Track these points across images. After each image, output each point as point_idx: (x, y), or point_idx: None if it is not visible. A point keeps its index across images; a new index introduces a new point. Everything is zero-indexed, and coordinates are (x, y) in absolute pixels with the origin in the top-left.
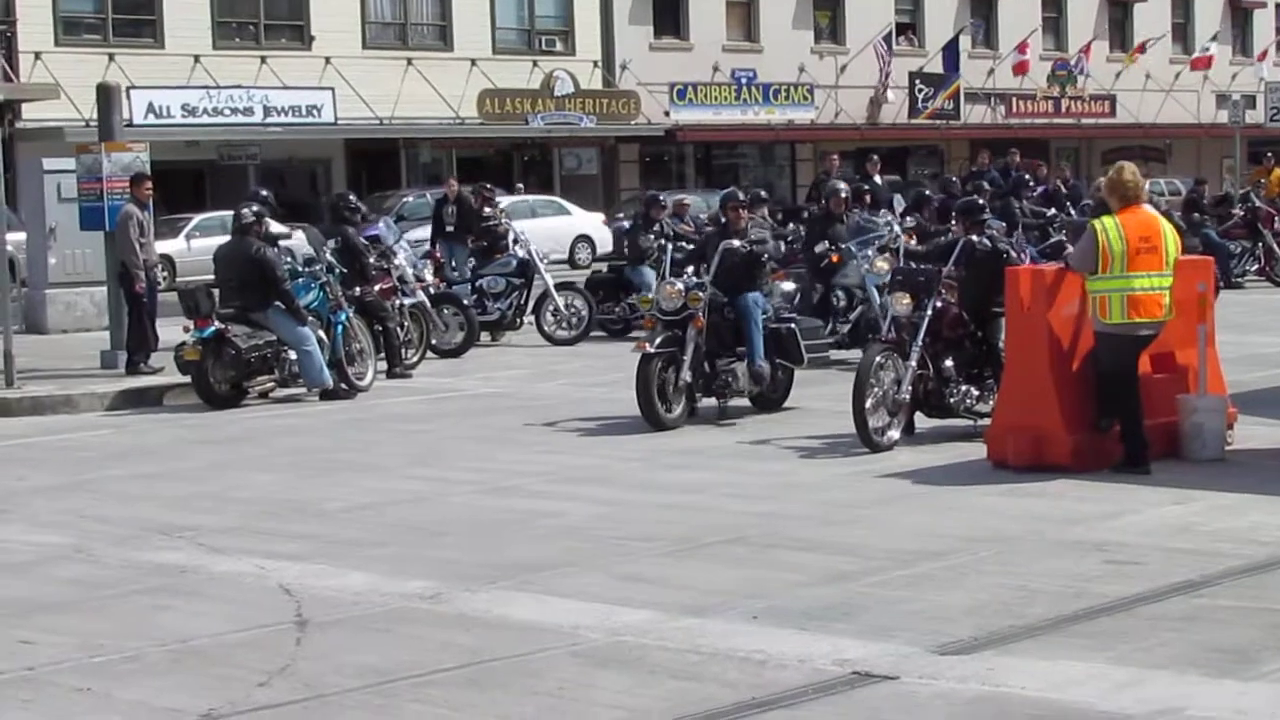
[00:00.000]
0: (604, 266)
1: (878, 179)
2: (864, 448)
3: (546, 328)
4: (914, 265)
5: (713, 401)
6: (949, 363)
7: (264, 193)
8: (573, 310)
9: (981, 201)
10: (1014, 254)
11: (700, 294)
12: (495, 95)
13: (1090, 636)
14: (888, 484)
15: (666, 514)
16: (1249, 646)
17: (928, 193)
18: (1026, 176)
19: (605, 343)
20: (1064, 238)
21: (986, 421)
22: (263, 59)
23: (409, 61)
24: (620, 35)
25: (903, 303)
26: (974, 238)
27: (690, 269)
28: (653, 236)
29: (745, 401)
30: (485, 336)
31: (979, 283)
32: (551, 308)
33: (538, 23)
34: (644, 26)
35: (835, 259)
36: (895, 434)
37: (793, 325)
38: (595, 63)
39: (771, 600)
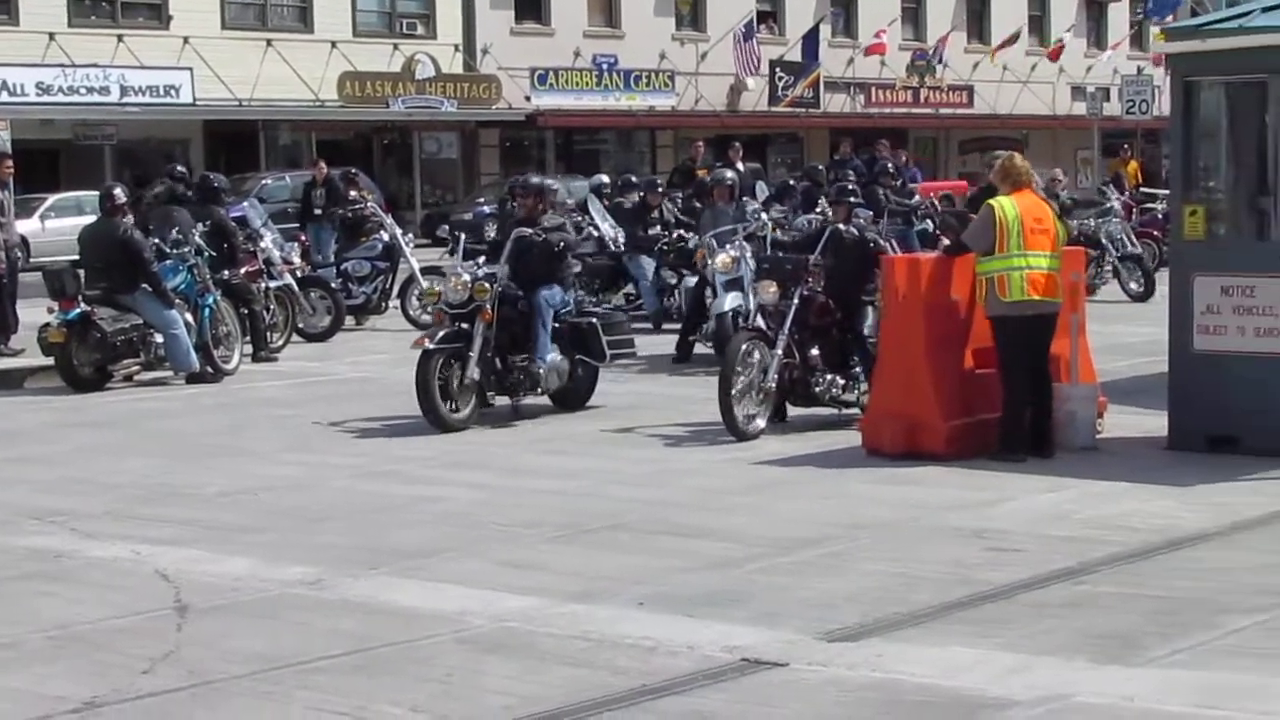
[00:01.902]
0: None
1: (739, 166)
2: (730, 436)
3: (411, 312)
4: (780, 254)
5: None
6: (815, 351)
7: (180, 169)
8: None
9: (852, 188)
10: (881, 242)
11: (488, 285)
12: (356, 78)
13: (975, 623)
14: (765, 471)
15: (547, 499)
16: (1132, 632)
17: (791, 181)
18: (890, 165)
19: None
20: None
21: (852, 411)
22: (119, 38)
23: (269, 43)
24: (481, 19)
25: (769, 291)
26: (841, 226)
27: (483, 259)
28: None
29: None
30: (349, 320)
31: (845, 271)
32: (417, 292)
33: (399, 6)
34: (505, 11)
35: (701, 254)
36: (761, 423)
37: (594, 320)
38: (456, 47)
39: (657, 586)
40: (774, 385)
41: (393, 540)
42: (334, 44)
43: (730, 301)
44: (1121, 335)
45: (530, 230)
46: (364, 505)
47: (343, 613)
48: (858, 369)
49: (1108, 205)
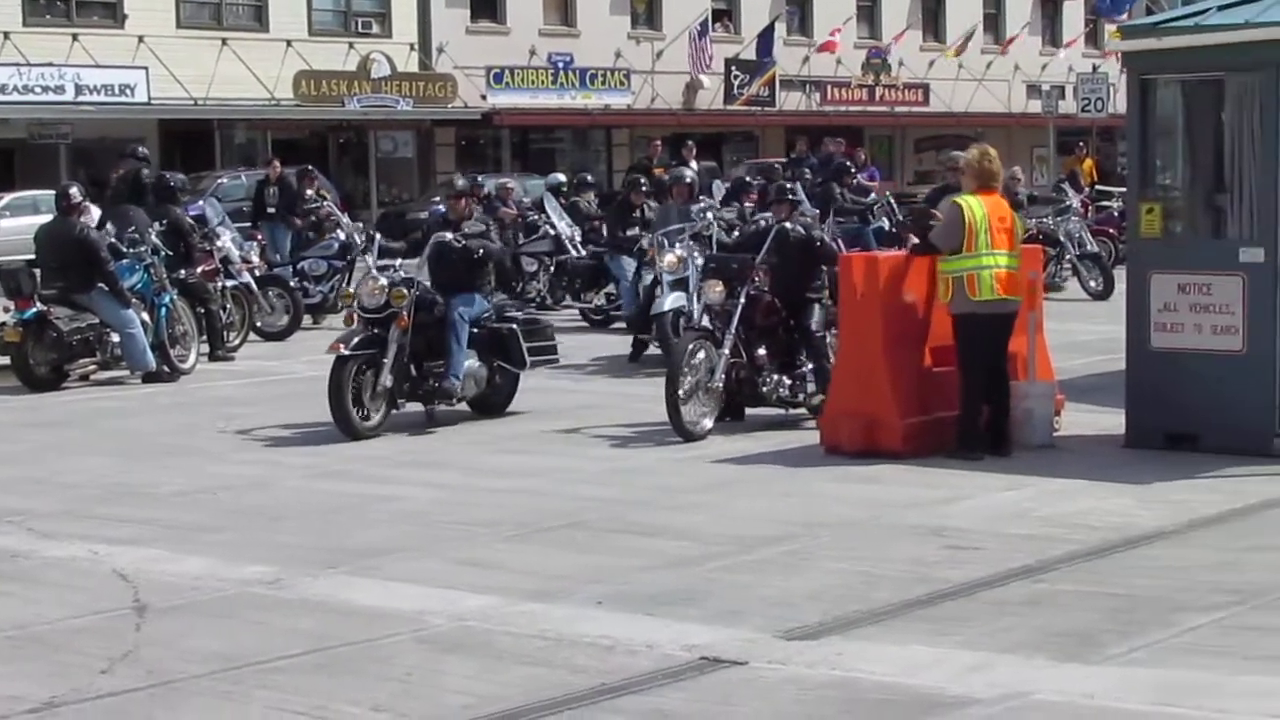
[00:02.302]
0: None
1: (693, 165)
2: (677, 436)
3: None
4: (726, 254)
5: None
6: (762, 351)
7: (141, 150)
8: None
9: (791, 186)
10: (827, 241)
11: (405, 291)
12: (311, 77)
13: (935, 621)
14: (723, 469)
15: (503, 498)
16: (1092, 630)
17: (748, 179)
18: (847, 163)
19: (585, 333)
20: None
21: (799, 411)
22: (74, 37)
23: (224, 41)
24: (437, 18)
25: (715, 290)
26: (787, 225)
27: (399, 262)
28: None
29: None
30: (307, 319)
31: (791, 270)
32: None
33: (354, 4)
34: (461, 10)
35: (651, 252)
36: (709, 423)
37: (514, 326)
38: (412, 45)
39: (615, 585)
40: (721, 386)
41: (350, 540)
42: (289, 43)
43: (671, 301)
44: (1079, 333)
45: (450, 236)
46: (321, 505)
47: (301, 612)
48: (805, 368)
49: (1066, 204)
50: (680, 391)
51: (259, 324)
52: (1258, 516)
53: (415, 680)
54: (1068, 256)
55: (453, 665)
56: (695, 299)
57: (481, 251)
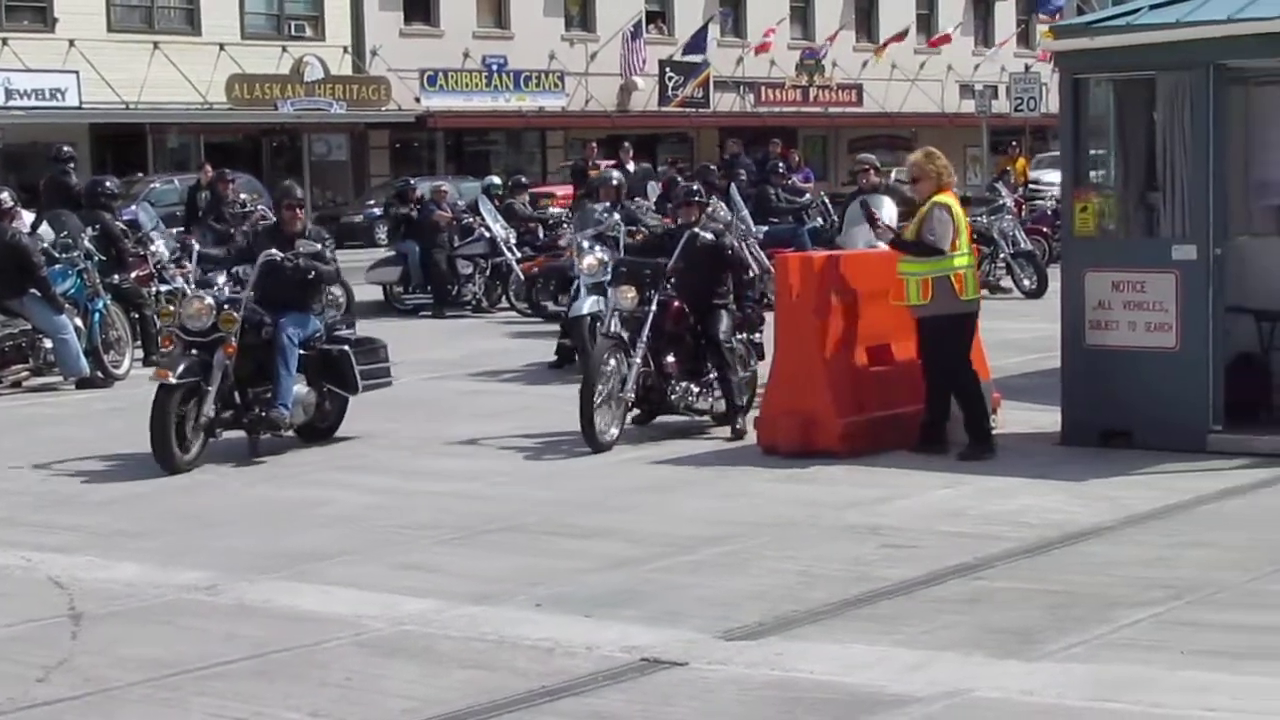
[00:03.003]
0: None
1: (630, 166)
2: (587, 446)
3: None
4: (635, 258)
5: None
6: (670, 358)
7: (66, 150)
8: (331, 297)
9: (697, 188)
10: (736, 247)
11: (235, 315)
12: (244, 80)
13: (875, 620)
14: (660, 471)
15: (442, 501)
16: (1031, 627)
17: (679, 178)
18: (780, 164)
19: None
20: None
21: (704, 419)
22: (4, 40)
23: (155, 45)
24: (370, 21)
25: (628, 296)
26: (697, 230)
27: (224, 278)
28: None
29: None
30: None
31: (699, 276)
32: None
33: (287, 8)
34: (394, 13)
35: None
36: (615, 431)
37: (346, 348)
38: (345, 48)
39: (555, 587)
40: (632, 396)
41: (287, 544)
42: (222, 46)
43: (589, 305)
44: (1013, 332)
45: (281, 255)
46: (258, 510)
47: (239, 617)
48: (711, 375)
49: (1000, 203)
50: (596, 401)
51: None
52: (1192, 513)
53: (355, 685)
54: (1002, 255)
55: (393, 669)
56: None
57: (314, 274)
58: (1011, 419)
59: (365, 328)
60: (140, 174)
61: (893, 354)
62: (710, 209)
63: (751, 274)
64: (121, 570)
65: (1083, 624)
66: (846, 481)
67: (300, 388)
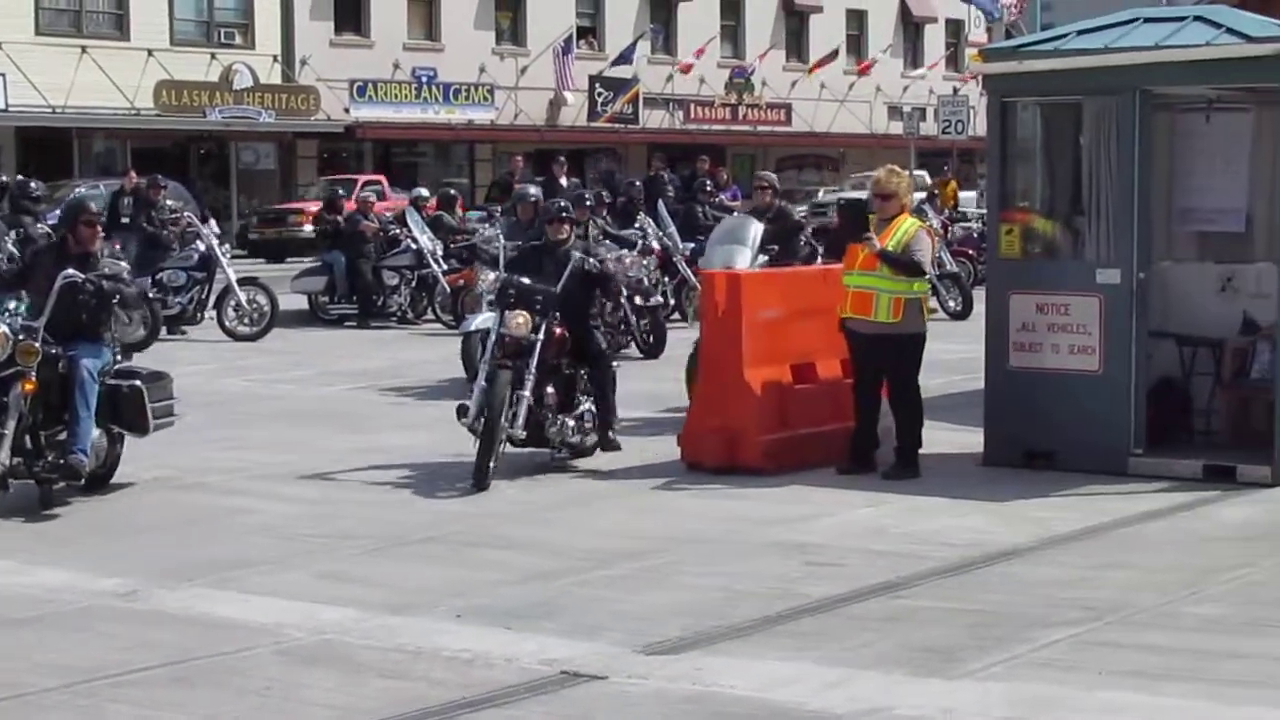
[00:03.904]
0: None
1: (563, 181)
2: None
3: (228, 323)
4: (523, 280)
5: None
6: (550, 389)
7: None
8: (255, 305)
9: (564, 204)
10: (609, 265)
11: (37, 347)
12: (172, 87)
13: (796, 636)
14: (583, 484)
15: (363, 511)
16: (951, 646)
17: (605, 195)
18: (707, 182)
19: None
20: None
21: (562, 454)
22: None
23: (84, 50)
24: (300, 30)
25: (518, 323)
26: (582, 256)
27: (12, 302)
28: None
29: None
30: (163, 331)
31: (577, 299)
32: (234, 303)
33: (217, 15)
34: (325, 22)
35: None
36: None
37: (138, 383)
38: (275, 57)
39: (474, 599)
40: (523, 434)
41: (208, 552)
42: (150, 52)
43: (480, 321)
44: (937, 352)
45: (83, 276)
46: (178, 517)
47: (158, 624)
48: (583, 406)
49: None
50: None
51: (117, 335)
52: (1113, 534)
53: (274, 693)
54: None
55: (312, 678)
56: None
57: (119, 297)
58: (935, 439)
59: (291, 337)
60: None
61: (818, 372)
62: (591, 228)
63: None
64: (41, 576)
65: (1003, 643)
66: (770, 498)
67: (95, 433)
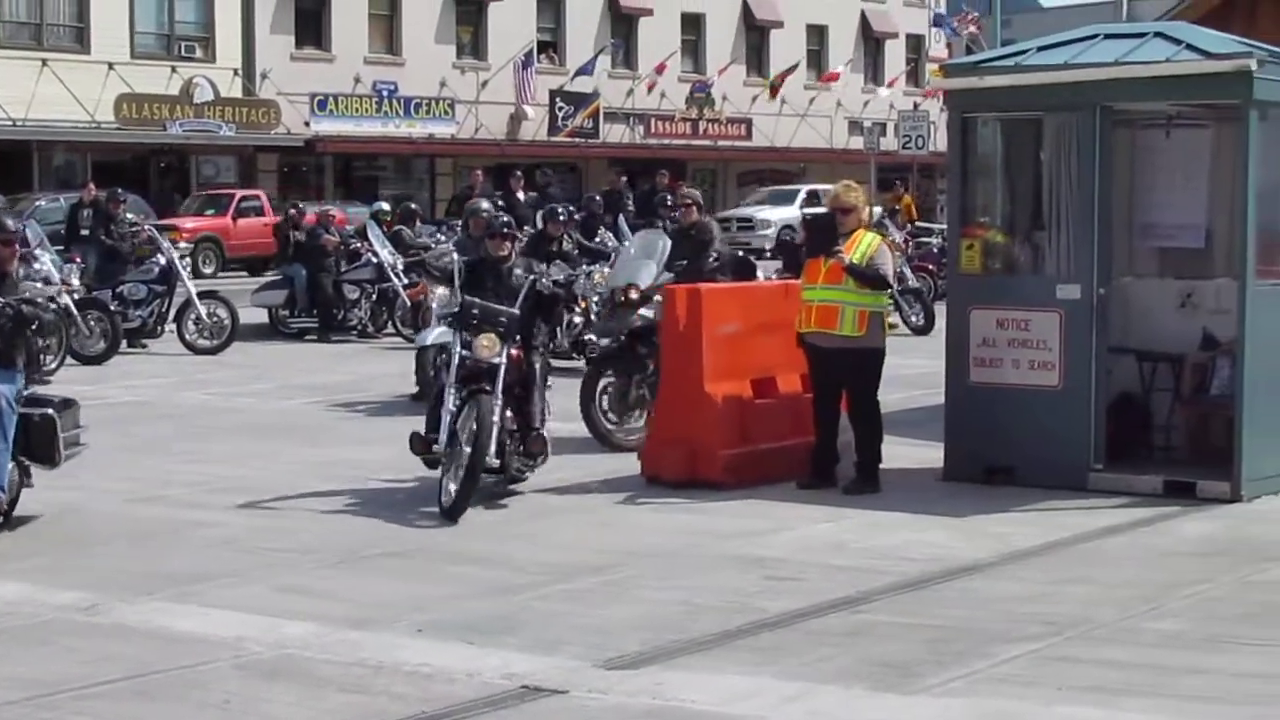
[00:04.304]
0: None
1: (520, 195)
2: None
3: (188, 336)
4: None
5: None
6: (510, 414)
7: None
8: (215, 319)
9: (506, 219)
10: (545, 285)
11: None
12: (133, 100)
13: (755, 651)
14: (543, 499)
15: (324, 526)
16: (911, 661)
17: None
18: (668, 197)
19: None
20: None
21: (490, 477)
22: None
23: (44, 62)
24: (261, 44)
25: (487, 347)
26: (535, 277)
27: None
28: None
29: None
30: (123, 344)
31: (525, 323)
32: (194, 316)
33: (178, 28)
34: (285, 36)
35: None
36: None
37: (50, 412)
38: (235, 70)
39: (435, 613)
40: (497, 462)
41: (169, 565)
42: (111, 65)
43: (435, 336)
44: (899, 367)
45: (1, 301)
46: (139, 530)
47: (119, 638)
48: (532, 432)
49: (892, 239)
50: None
51: (76, 347)
52: (1073, 549)
53: (234, 707)
54: (890, 292)
55: (272, 692)
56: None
57: (36, 322)
58: (895, 454)
59: (251, 350)
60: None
61: (778, 387)
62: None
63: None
64: (1, 589)
65: (962, 658)
66: (730, 512)
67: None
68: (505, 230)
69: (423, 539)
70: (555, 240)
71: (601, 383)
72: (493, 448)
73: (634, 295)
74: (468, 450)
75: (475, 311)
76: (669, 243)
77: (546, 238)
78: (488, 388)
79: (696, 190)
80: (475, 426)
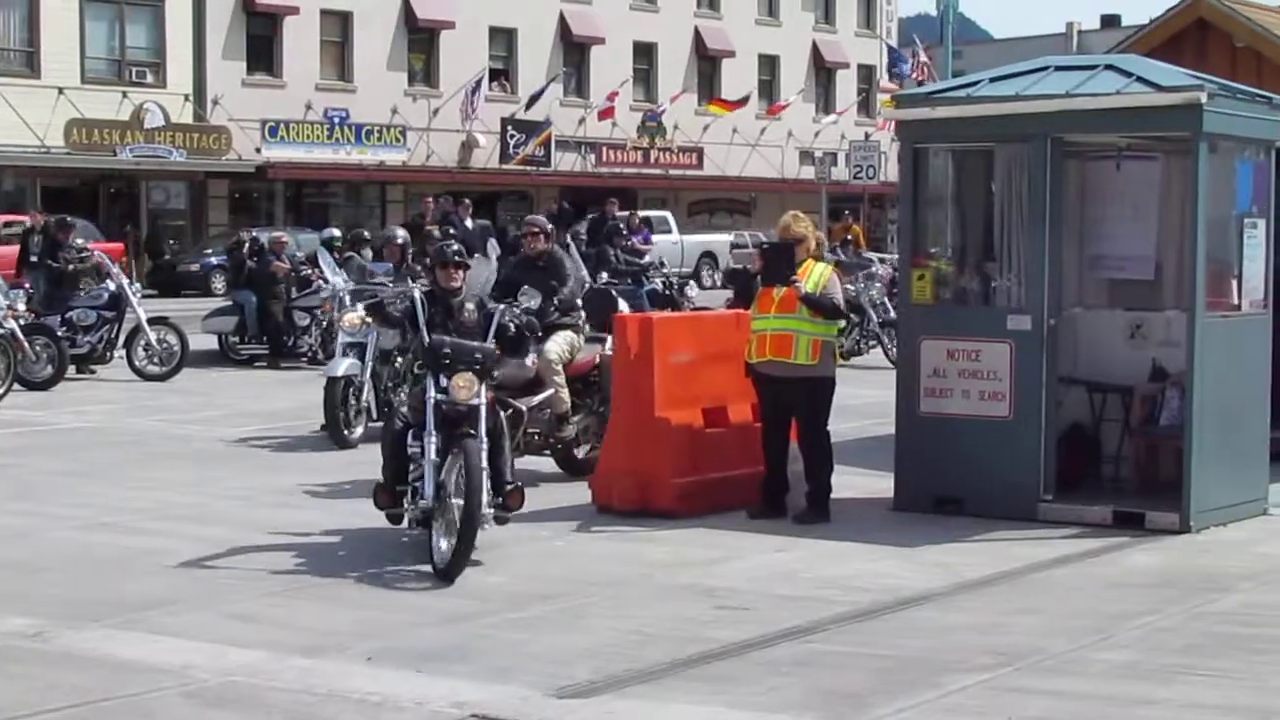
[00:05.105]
0: None
1: (468, 223)
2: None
3: (138, 362)
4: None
5: None
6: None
7: None
8: (165, 345)
9: (457, 248)
10: (535, 326)
11: None
12: (83, 125)
13: (706, 680)
14: (494, 528)
15: (273, 553)
16: (861, 691)
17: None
18: (621, 225)
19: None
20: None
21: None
22: None
23: None
24: (213, 69)
25: (461, 385)
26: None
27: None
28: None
29: None
30: (71, 369)
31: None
32: (143, 342)
33: (129, 53)
34: (237, 62)
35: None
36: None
37: None
38: (186, 96)
39: (385, 641)
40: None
41: (116, 592)
42: (61, 90)
43: (344, 367)
44: (849, 397)
45: None
46: (86, 556)
47: (65, 665)
48: (513, 481)
49: (872, 270)
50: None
51: (23, 373)
52: (1023, 580)
53: None
54: (871, 325)
55: None
56: (367, 368)
57: None
58: (846, 484)
59: (201, 377)
60: None
61: (729, 416)
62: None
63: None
64: None
65: (913, 688)
66: (681, 541)
67: None
68: (457, 260)
69: (372, 566)
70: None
71: None
72: (485, 497)
73: None
74: (458, 503)
75: (446, 350)
76: (494, 274)
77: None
78: (471, 431)
79: (542, 216)
80: (465, 476)
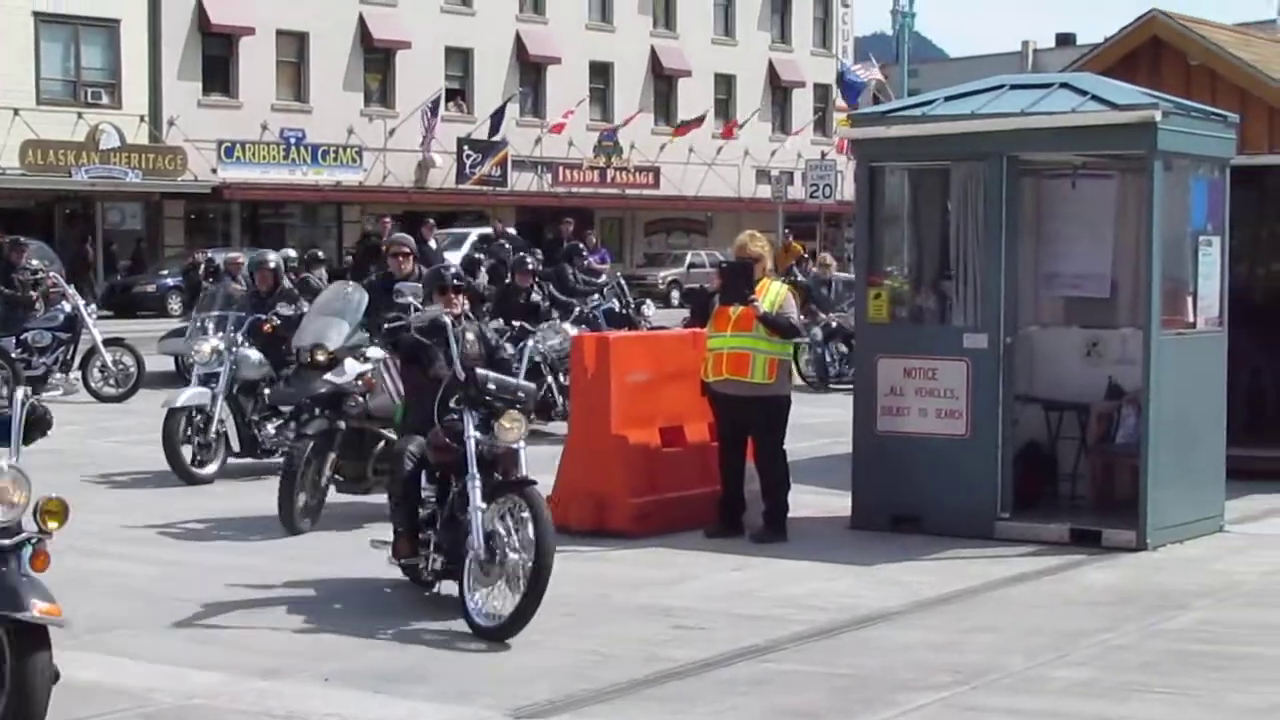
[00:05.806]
0: None
1: (432, 243)
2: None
3: (94, 384)
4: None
5: None
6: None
7: None
8: (121, 367)
9: (456, 269)
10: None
11: None
12: (38, 146)
13: (663, 700)
14: None
15: (230, 575)
16: (819, 709)
17: (479, 256)
18: (580, 245)
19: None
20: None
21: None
22: None
23: None
24: (168, 90)
25: (510, 427)
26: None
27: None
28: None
29: None
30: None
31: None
32: (99, 364)
33: (84, 74)
34: (193, 83)
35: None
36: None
37: None
38: (142, 117)
39: (344, 662)
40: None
41: (75, 613)
42: (16, 111)
43: (188, 398)
44: (805, 416)
45: None
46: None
47: None
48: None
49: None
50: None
51: None
52: (980, 598)
53: None
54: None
55: None
56: (219, 398)
57: None
58: (804, 503)
59: (157, 398)
60: None
61: (686, 435)
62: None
63: None
64: None
65: (870, 707)
66: (638, 561)
67: None
68: (457, 284)
69: (326, 587)
70: (524, 292)
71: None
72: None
73: (320, 358)
74: (517, 558)
75: (491, 386)
76: (365, 297)
77: (515, 289)
78: (531, 479)
79: (409, 236)
80: (536, 527)
